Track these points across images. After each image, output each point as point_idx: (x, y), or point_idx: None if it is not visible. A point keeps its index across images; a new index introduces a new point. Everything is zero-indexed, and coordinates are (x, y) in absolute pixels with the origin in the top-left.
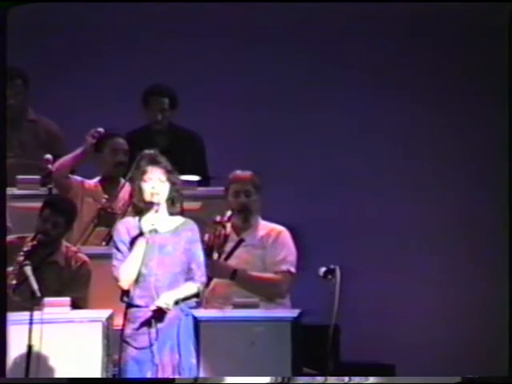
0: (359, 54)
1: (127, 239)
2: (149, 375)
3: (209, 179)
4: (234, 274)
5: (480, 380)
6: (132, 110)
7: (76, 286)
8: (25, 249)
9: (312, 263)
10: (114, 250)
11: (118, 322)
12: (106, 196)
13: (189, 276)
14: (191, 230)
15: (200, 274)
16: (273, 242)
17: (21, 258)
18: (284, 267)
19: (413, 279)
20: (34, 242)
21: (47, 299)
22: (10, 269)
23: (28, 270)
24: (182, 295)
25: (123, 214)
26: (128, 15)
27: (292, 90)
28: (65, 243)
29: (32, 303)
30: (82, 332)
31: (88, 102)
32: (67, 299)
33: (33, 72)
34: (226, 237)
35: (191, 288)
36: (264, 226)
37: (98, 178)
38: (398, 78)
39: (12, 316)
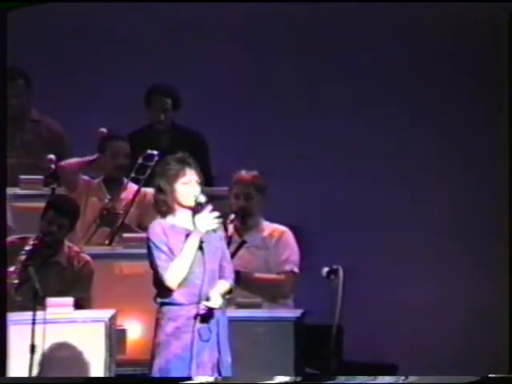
0: (360, 54)
1: (165, 240)
2: (193, 372)
3: (212, 179)
4: (237, 277)
5: (480, 380)
6: (135, 109)
7: (78, 286)
8: (27, 248)
9: (315, 263)
10: (156, 252)
11: (121, 321)
12: (108, 196)
13: (220, 273)
14: (219, 228)
15: (229, 270)
16: (276, 243)
17: (23, 258)
18: (287, 267)
19: (415, 280)
20: (36, 242)
21: (50, 299)
22: (11, 268)
23: (31, 269)
24: (222, 292)
25: (126, 214)
26: (129, 15)
27: (294, 89)
28: (67, 243)
29: (34, 303)
30: (85, 332)
31: (90, 101)
32: (70, 299)
33: (35, 72)
34: (229, 238)
35: (225, 285)
36: (266, 227)
37: (100, 178)
38: (399, 77)
39: (14, 316)
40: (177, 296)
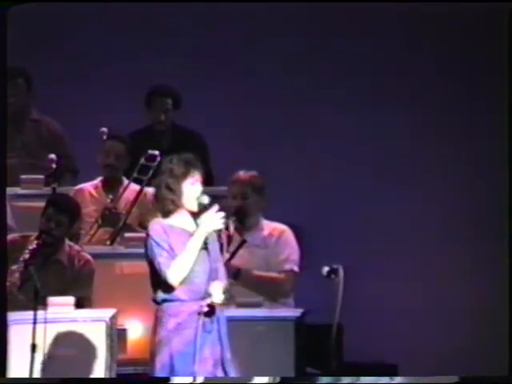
0: (360, 54)
1: (166, 238)
2: (196, 368)
3: (212, 179)
4: (237, 274)
5: (480, 380)
6: (135, 110)
7: (79, 285)
8: (30, 247)
9: (315, 263)
10: (157, 250)
11: (122, 321)
12: (110, 196)
13: (215, 275)
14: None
15: (222, 273)
16: (276, 242)
17: (26, 256)
18: (287, 266)
19: (415, 279)
20: (40, 241)
21: (51, 298)
22: (14, 267)
23: (32, 268)
24: (221, 289)
25: (128, 214)
26: (129, 14)
27: (294, 89)
28: (68, 242)
29: (35, 302)
30: (86, 331)
31: (91, 102)
32: (71, 298)
33: (35, 72)
34: (230, 237)
35: (221, 285)
36: (266, 226)
37: (99, 179)
38: (399, 78)
39: (14, 315)
40: (178, 293)
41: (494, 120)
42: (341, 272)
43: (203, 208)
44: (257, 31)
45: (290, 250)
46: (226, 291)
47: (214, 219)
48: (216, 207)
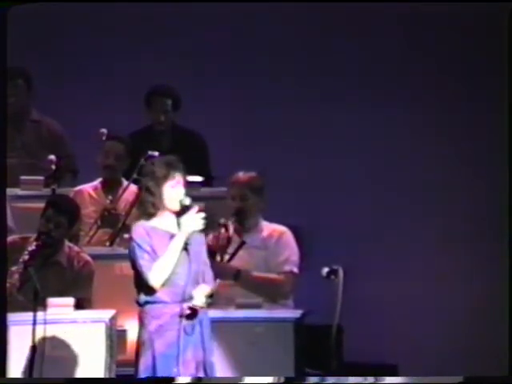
0: (360, 54)
1: (148, 240)
2: (176, 371)
3: (212, 179)
4: (237, 275)
5: (480, 380)
6: (135, 110)
7: (79, 286)
8: (29, 249)
9: (315, 263)
10: (139, 252)
11: (122, 322)
12: (110, 197)
13: (200, 278)
14: (201, 233)
15: (209, 277)
16: (275, 243)
17: (26, 258)
18: (287, 268)
19: (415, 280)
20: (39, 242)
21: (50, 299)
22: (13, 268)
23: (31, 269)
24: (205, 293)
25: (127, 215)
26: (129, 14)
27: (294, 91)
28: (67, 243)
29: (35, 303)
30: (85, 332)
31: (90, 102)
32: (70, 299)
33: (35, 72)
34: (229, 239)
35: (207, 288)
36: (266, 227)
37: (99, 180)
38: (399, 79)
39: (14, 316)
40: (160, 295)
41: (494, 120)
42: (340, 273)
43: (185, 209)
44: (257, 31)
45: (290, 252)
46: (210, 295)
47: (195, 220)
48: (196, 208)
